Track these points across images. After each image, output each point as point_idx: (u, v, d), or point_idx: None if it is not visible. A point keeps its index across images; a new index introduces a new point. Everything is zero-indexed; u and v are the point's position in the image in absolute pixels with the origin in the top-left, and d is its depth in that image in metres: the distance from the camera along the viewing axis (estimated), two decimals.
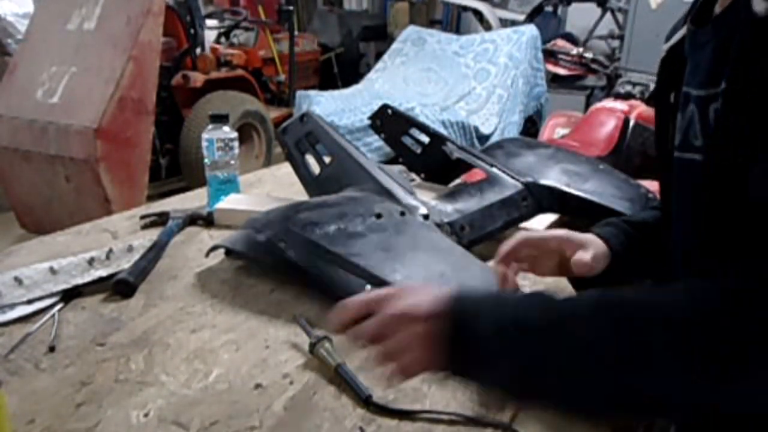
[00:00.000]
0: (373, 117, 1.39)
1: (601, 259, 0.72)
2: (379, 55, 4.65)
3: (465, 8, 5.52)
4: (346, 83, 4.90)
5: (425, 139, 1.34)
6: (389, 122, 1.38)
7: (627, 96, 2.55)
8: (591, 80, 4.16)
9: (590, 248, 0.72)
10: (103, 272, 0.92)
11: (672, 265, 0.66)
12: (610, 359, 0.46)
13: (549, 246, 0.74)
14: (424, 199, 1.12)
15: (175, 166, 3.55)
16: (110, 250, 0.99)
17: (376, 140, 2.86)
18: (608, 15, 4.39)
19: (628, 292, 0.51)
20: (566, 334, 0.47)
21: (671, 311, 0.47)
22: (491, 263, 0.70)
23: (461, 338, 0.50)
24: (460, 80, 3.59)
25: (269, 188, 1.44)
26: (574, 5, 4.78)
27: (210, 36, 4.19)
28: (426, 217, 1.02)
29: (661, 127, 0.72)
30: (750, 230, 0.50)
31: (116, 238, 1.13)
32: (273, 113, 4.13)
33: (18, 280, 0.89)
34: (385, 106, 1.38)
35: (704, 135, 0.59)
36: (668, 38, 0.72)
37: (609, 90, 3.53)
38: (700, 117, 0.59)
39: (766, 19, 0.49)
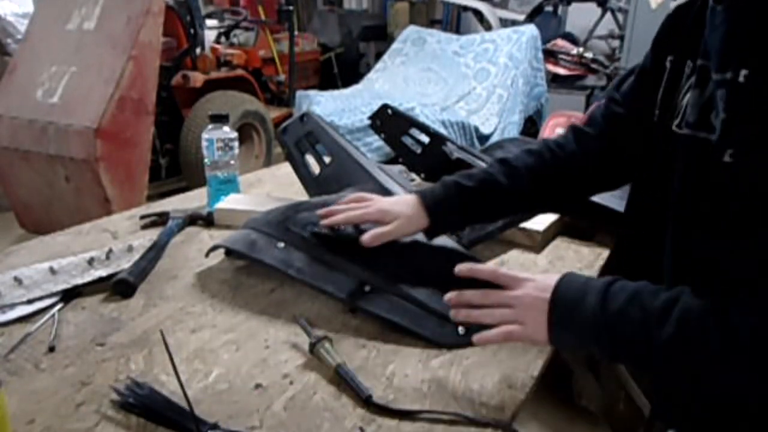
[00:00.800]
0: (373, 117, 1.39)
1: (406, 225, 0.85)
2: (379, 55, 4.65)
3: (465, 8, 5.52)
4: (346, 83, 4.90)
5: (425, 139, 1.34)
6: (389, 122, 1.38)
7: None
8: (591, 80, 4.16)
9: (392, 221, 0.85)
10: (103, 272, 0.92)
11: (652, 234, 0.72)
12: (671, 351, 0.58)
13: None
14: None
15: (175, 166, 3.55)
16: (110, 250, 0.99)
17: (376, 140, 2.86)
18: (608, 15, 4.39)
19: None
20: (644, 330, 0.59)
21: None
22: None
23: (571, 315, 0.63)
24: (460, 80, 3.58)
25: (269, 188, 1.44)
26: (574, 5, 4.78)
27: (210, 36, 4.19)
28: None
29: (651, 94, 0.73)
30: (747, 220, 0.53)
31: (116, 238, 1.13)
32: (273, 113, 4.13)
33: (18, 280, 0.89)
34: (385, 106, 1.38)
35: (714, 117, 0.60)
36: None
37: None
38: (721, 99, 0.60)
39: None
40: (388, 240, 0.85)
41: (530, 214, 1.09)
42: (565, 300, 0.64)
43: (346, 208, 0.89)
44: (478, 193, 0.86)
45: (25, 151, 2.74)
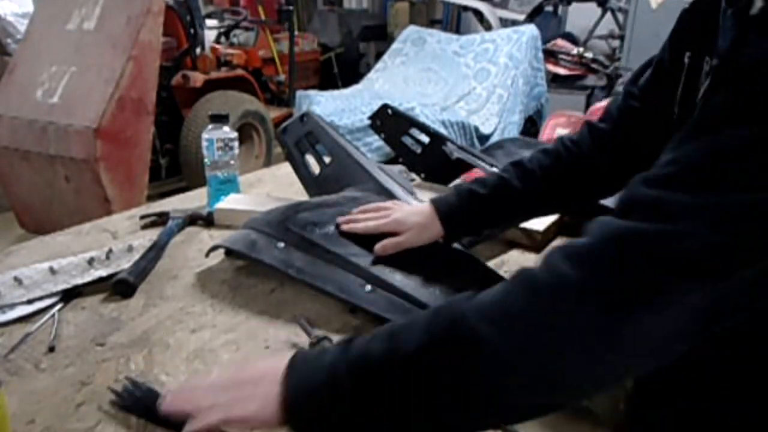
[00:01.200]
0: (373, 117, 1.39)
1: (420, 234, 0.86)
2: (379, 55, 4.65)
3: (465, 8, 5.52)
4: (346, 83, 4.90)
5: (425, 139, 1.34)
6: (389, 122, 1.38)
7: None
8: (591, 80, 4.15)
9: (406, 233, 0.86)
10: (103, 272, 0.92)
11: None
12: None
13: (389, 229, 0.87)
14: (424, 199, 1.12)
15: (175, 166, 3.55)
16: (110, 250, 0.99)
17: (376, 140, 2.87)
18: (608, 15, 4.39)
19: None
20: (371, 395, 0.48)
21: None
22: None
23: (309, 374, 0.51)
24: (460, 80, 3.59)
25: (269, 188, 1.44)
26: (574, 5, 4.78)
27: (210, 36, 4.19)
28: None
29: (672, 92, 0.70)
30: None
31: (116, 238, 1.13)
32: (273, 113, 4.13)
33: (18, 280, 0.89)
34: (385, 106, 1.38)
35: None
36: None
37: (609, 90, 3.54)
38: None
39: (759, 17, 0.48)
40: (402, 249, 0.86)
41: (545, 215, 1.09)
42: (302, 362, 0.53)
43: (365, 218, 0.90)
44: (492, 200, 0.86)
45: (25, 151, 2.74)
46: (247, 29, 4.45)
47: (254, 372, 0.55)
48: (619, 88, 2.71)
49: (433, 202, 0.89)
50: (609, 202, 1.07)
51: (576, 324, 0.44)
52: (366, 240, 0.88)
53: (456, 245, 0.99)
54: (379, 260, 0.87)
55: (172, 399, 0.57)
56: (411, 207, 0.93)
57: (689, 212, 0.43)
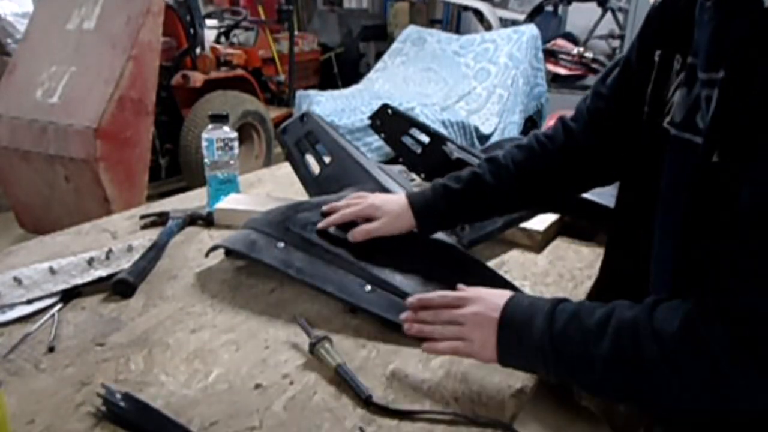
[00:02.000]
0: (373, 117, 1.39)
1: (393, 223, 0.88)
2: (379, 55, 4.65)
3: (465, 8, 5.52)
4: (346, 83, 4.89)
5: (425, 139, 1.34)
6: (389, 122, 1.38)
7: None
8: (591, 80, 4.15)
9: (381, 217, 0.88)
10: (102, 272, 0.91)
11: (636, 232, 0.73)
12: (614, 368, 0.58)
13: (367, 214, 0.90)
14: None
15: (174, 166, 3.55)
16: (110, 250, 0.99)
17: (376, 140, 2.86)
18: (608, 15, 4.39)
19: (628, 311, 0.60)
20: (585, 348, 0.60)
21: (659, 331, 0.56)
22: None
23: (519, 337, 0.64)
24: (460, 80, 3.58)
25: (269, 188, 1.44)
26: (574, 5, 4.78)
27: (210, 36, 4.18)
28: None
29: (641, 90, 0.71)
30: (725, 234, 0.52)
31: (116, 238, 1.13)
32: (273, 113, 4.13)
33: (17, 280, 0.89)
34: (385, 106, 1.38)
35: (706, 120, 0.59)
36: None
37: None
38: (706, 100, 0.59)
39: None
40: (377, 236, 0.88)
41: (526, 212, 1.09)
42: (513, 323, 0.65)
43: (344, 204, 0.92)
44: (464, 195, 0.87)
45: (25, 151, 2.74)
46: (247, 29, 4.45)
47: (477, 311, 0.67)
48: None
49: (408, 195, 0.90)
50: (601, 198, 1.07)
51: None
52: (366, 240, 0.89)
53: (456, 245, 0.99)
54: (379, 261, 0.87)
55: (419, 302, 0.72)
56: (388, 196, 0.94)
57: None
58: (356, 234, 0.89)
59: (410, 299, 0.73)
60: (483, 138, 3.25)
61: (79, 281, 0.89)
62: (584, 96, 0.89)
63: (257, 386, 0.70)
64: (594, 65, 3.57)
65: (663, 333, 0.56)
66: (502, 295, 0.68)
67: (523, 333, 0.63)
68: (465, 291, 0.71)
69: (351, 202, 0.93)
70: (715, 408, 0.57)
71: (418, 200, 0.89)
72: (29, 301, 0.86)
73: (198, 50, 3.72)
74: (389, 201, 0.91)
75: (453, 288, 0.72)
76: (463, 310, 0.68)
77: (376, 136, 1.66)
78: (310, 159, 1.19)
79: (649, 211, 0.68)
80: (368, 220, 0.89)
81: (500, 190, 0.87)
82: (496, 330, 0.65)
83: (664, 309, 0.58)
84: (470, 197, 0.88)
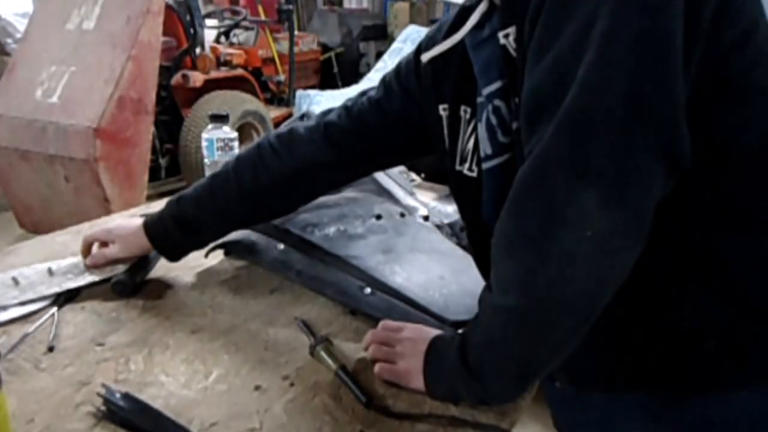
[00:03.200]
0: None
1: (126, 247, 0.89)
2: (379, 55, 4.65)
3: None
4: (346, 83, 4.90)
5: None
6: None
7: None
8: None
9: (113, 241, 0.90)
10: (97, 277, 0.91)
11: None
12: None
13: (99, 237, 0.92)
14: (424, 199, 1.12)
15: (174, 166, 3.55)
16: None
17: None
18: None
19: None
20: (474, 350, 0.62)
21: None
22: None
23: (438, 359, 0.68)
24: None
25: None
26: None
27: (210, 35, 4.18)
28: (426, 218, 1.02)
29: (440, 143, 0.76)
30: None
31: None
32: (273, 113, 4.12)
33: (15, 281, 0.89)
34: None
35: (507, 131, 0.62)
36: (425, 50, 0.75)
37: None
38: (501, 115, 0.63)
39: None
40: (114, 259, 0.90)
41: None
42: (435, 354, 0.68)
43: (90, 235, 0.94)
44: (193, 204, 0.87)
45: (25, 150, 2.74)
46: (246, 29, 4.44)
47: (411, 342, 0.71)
48: None
49: (145, 217, 0.91)
50: None
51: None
52: (366, 242, 0.88)
53: (456, 247, 0.99)
54: (378, 263, 0.87)
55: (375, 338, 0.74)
56: (128, 221, 0.94)
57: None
58: (94, 259, 0.91)
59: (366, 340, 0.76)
60: None
61: (72, 285, 0.89)
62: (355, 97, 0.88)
63: (257, 388, 0.70)
64: None
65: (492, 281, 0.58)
66: (430, 332, 0.71)
67: (442, 367, 0.66)
68: (401, 324, 0.75)
69: (91, 231, 0.95)
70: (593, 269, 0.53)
71: (149, 220, 0.89)
72: (22, 303, 0.85)
73: (198, 50, 3.72)
74: (122, 227, 0.91)
75: (454, 290, 0.73)
76: (398, 335, 0.73)
77: None
78: None
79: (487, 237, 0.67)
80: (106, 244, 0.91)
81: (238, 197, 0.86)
82: (422, 365, 0.68)
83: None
84: (199, 205, 0.87)
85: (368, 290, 0.84)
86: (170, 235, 0.88)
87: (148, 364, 0.74)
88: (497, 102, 0.63)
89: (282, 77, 4.57)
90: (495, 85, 0.63)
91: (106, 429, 0.62)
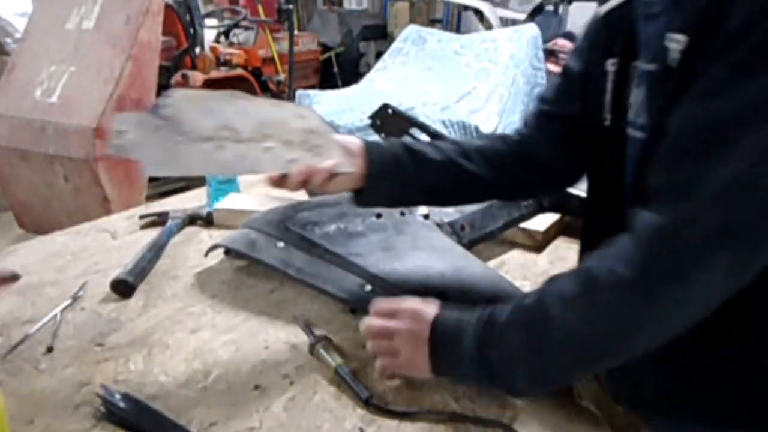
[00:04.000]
0: (374, 116, 1.39)
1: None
2: (379, 55, 4.64)
3: (465, 7, 5.51)
4: (346, 83, 4.89)
5: (425, 138, 1.33)
6: (389, 122, 1.38)
7: None
8: None
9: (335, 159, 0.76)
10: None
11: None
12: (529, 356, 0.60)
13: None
14: None
15: None
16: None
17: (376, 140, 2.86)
18: None
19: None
20: (502, 346, 0.61)
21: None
22: None
23: (448, 349, 0.65)
24: (461, 80, 3.58)
25: (269, 188, 1.43)
26: (575, 4, 4.78)
27: (209, 35, 4.18)
28: (426, 216, 1.02)
29: (599, 97, 0.72)
30: None
31: (115, 238, 1.13)
32: None
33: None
34: (385, 106, 1.38)
35: (650, 113, 0.61)
36: (603, 1, 0.73)
37: None
38: (647, 94, 0.62)
39: None
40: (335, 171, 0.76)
41: (522, 212, 1.08)
42: (443, 343, 0.65)
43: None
44: (436, 162, 0.80)
45: (24, 150, 2.74)
46: (246, 28, 4.44)
47: (410, 332, 0.67)
48: None
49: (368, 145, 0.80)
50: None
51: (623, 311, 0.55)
52: (367, 240, 0.88)
53: (456, 245, 0.98)
54: (379, 260, 0.86)
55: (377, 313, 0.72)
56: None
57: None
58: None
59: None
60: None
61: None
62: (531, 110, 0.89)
63: (257, 387, 0.70)
64: None
65: (561, 293, 0.58)
66: (429, 307, 0.68)
67: (454, 354, 0.64)
68: (394, 303, 0.71)
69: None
70: (630, 345, 0.56)
71: (371, 144, 0.80)
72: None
73: (198, 50, 3.71)
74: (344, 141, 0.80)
75: (454, 288, 0.72)
76: (393, 324, 0.69)
77: (376, 136, 1.66)
78: None
79: (619, 204, 0.67)
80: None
81: (473, 172, 0.81)
82: (428, 349, 0.65)
83: (553, 281, 0.61)
84: (437, 166, 0.80)
85: (368, 288, 0.84)
86: (399, 159, 0.78)
87: (147, 364, 0.74)
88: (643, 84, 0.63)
89: (282, 77, 4.57)
90: (650, 67, 0.62)
91: (106, 429, 0.62)
